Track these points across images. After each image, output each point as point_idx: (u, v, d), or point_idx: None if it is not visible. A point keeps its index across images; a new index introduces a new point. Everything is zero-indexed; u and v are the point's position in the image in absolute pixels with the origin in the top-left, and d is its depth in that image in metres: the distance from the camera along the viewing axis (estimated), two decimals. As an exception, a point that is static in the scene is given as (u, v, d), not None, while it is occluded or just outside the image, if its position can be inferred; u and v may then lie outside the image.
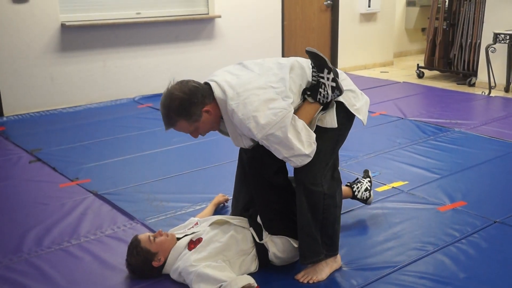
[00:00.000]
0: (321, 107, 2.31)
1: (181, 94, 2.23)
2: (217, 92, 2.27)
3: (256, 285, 2.25)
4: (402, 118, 5.05)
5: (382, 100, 5.79)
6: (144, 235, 2.45)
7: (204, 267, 2.25)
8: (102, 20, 5.71)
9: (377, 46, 8.39)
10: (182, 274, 2.33)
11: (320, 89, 2.25)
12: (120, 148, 4.31)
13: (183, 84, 2.27)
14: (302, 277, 2.38)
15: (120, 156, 4.09)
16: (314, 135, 2.24)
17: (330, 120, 2.34)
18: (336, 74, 2.28)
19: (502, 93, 6.40)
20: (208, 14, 6.45)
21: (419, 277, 2.42)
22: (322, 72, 2.25)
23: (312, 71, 2.30)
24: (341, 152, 4.06)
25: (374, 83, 6.75)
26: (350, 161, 3.88)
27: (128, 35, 5.94)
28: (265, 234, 2.45)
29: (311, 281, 2.36)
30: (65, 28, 5.48)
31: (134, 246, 2.40)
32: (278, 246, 2.43)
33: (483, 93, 6.28)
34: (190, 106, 2.22)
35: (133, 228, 2.92)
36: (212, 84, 2.31)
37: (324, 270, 2.39)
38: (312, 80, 2.29)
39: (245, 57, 6.82)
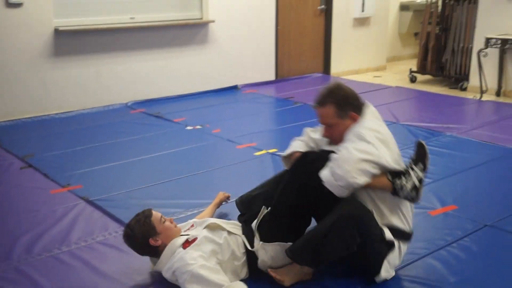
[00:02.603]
0: (390, 190, 2.30)
1: (349, 90, 2.44)
2: (366, 114, 2.44)
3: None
4: (395, 123, 5.05)
5: (375, 104, 5.69)
6: (157, 213, 2.46)
7: (199, 267, 2.23)
8: (96, 25, 5.70)
9: (370, 50, 8.41)
10: (175, 273, 2.30)
11: (402, 176, 2.27)
12: (112, 154, 4.29)
13: (348, 87, 2.46)
14: (274, 271, 2.38)
15: (112, 162, 4.07)
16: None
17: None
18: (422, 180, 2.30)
19: (493, 97, 6.42)
20: (201, 19, 6.45)
21: (411, 281, 2.42)
22: (416, 165, 2.30)
23: (410, 160, 2.34)
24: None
25: (367, 88, 6.76)
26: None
27: (121, 40, 5.93)
28: (256, 241, 2.44)
29: (275, 277, 2.34)
30: (58, 33, 5.46)
31: (144, 216, 2.42)
32: (268, 254, 2.42)
33: (475, 97, 6.30)
34: (348, 102, 2.40)
35: (124, 235, 2.90)
36: (370, 107, 2.50)
37: (292, 275, 2.37)
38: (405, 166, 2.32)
39: (238, 63, 6.85)
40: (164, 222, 2.44)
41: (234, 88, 6.81)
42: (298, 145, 2.71)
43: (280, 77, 7.40)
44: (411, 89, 6.85)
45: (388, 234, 2.34)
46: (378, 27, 8.38)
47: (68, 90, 5.68)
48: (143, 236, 2.39)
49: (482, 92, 6.37)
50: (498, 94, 6.52)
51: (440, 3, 7.35)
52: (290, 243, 2.38)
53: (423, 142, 2.37)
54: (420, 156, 2.34)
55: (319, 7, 7.66)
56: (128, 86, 6.08)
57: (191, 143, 4.55)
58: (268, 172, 3.82)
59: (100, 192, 3.47)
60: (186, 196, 3.42)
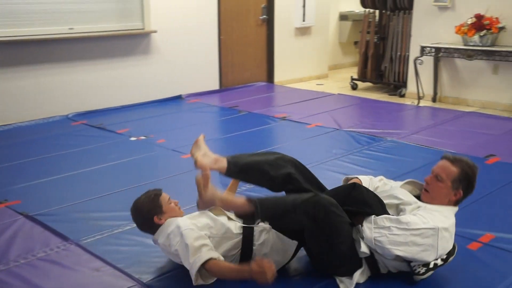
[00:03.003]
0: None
1: (474, 180, 2.50)
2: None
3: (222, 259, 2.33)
4: (337, 129, 5.16)
5: (318, 111, 5.90)
6: (166, 194, 2.60)
7: (189, 231, 2.36)
8: (33, 36, 5.52)
9: (312, 59, 8.56)
10: (170, 236, 2.41)
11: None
12: (53, 167, 4.16)
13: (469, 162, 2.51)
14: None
15: (53, 176, 3.95)
16: None
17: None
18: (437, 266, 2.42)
19: (430, 103, 6.67)
20: (143, 29, 6.38)
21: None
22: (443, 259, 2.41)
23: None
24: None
25: (310, 95, 6.88)
26: (287, 172, 3.91)
27: (61, 51, 5.77)
28: (264, 224, 2.48)
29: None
30: (-7, 44, 5.26)
31: (153, 194, 2.56)
32: (268, 242, 2.45)
33: (413, 103, 6.53)
34: (467, 183, 2.48)
35: (67, 250, 2.82)
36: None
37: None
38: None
39: (181, 72, 6.81)
40: (170, 203, 2.56)
41: (178, 98, 6.76)
42: (363, 177, 2.76)
43: (224, 86, 7.41)
44: (353, 96, 7.01)
45: (364, 248, 2.35)
46: (319, 36, 8.55)
47: (6, 102, 5.47)
48: (149, 212, 2.51)
49: (419, 98, 6.61)
50: (434, 100, 6.78)
51: (377, 13, 7.58)
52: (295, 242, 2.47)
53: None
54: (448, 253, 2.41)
55: (261, 17, 7.74)
56: (69, 98, 5.92)
57: (136, 154, 4.47)
58: (214, 182, 3.79)
59: (40, 207, 3.35)
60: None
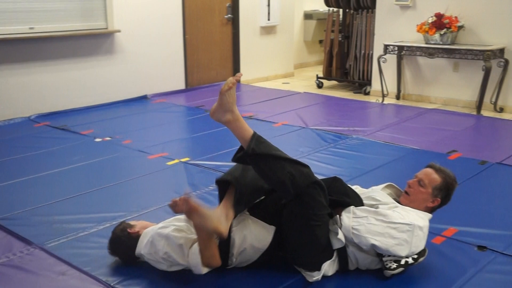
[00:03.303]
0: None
1: (454, 190, 2.64)
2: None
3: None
4: (304, 127, 5.19)
5: (284, 110, 5.93)
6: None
7: (172, 230, 2.41)
8: (-9, 36, 5.38)
9: (278, 58, 8.60)
10: (154, 243, 2.42)
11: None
12: (15, 169, 4.06)
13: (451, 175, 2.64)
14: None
15: (14, 179, 3.85)
16: None
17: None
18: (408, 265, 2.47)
19: (394, 101, 6.79)
20: (107, 28, 6.28)
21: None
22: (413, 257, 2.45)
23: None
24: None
25: (276, 94, 6.90)
26: (255, 171, 3.91)
27: (21, 51, 5.63)
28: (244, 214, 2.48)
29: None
30: (-51, 44, 5.10)
31: (120, 226, 2.63)
32: (245, 227, 2.44)
33: (377, 101, 6.63)
34: (447, 193, 2.61)
35: (31, 254, 2.75)
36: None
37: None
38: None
39: (146, 72, 6.74)
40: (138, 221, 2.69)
41: (143, 98, 6.70)
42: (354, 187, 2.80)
43: (190, 86, 7.38)
44: (319, 94, 7.07)
45: (340, 235, 2.40)
46: (284, 35, 8.59)
47: (-37, 104, 5.32)
48: (122, 231, 2.56)
49: (383, 96, 6.72)
50: (398, 97, 6.90)
51: (341, 12, 7.67)
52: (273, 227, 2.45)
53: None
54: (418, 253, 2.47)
55: (226, 16, 7.73)
56: (31, 99, 5.79)
57: (101, 155, 4.40)
58: (182, 181, 3.79)
59: (2, 211, 3.26)
60: (97, 210, 3.30)
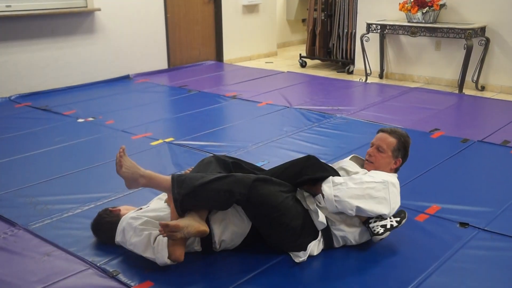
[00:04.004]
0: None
1: (409, 146, 2.76)
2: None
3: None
4: (288, 107, 5.19)
5: (268, 90, 5.92)
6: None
7: (142, 224, 2.42)
8: (-32, 14, 5.25)
9: (260, 37, 8.54)
10: (124, 231, 2.45)
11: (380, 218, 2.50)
12: (-4, 151, 4.01)
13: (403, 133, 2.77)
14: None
15: (-4, 160, 3.81)
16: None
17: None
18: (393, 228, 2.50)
19: (377, 80, 6.81)
20: (86, 7, 6.16)
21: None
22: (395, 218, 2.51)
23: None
24: (231, 142, 4.11)
25: (260, 74, 6.88)
26: (239, 151, 3.92)
27: (-1, 30, 5.52)
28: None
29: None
30: None
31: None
32: (230, 221, 2.46)
33: (361, 80, 6.64)
34: (405, 151, 2.73)
35: (15, 235, 2.73)
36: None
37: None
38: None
39: (128, 52, 6.66)
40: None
41: (126, 78, 6.62)
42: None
43: (173, 66, 7.31)
44: (302, 73, 7.06)
45: (321, 217, 2.44)
46: (266, 14, 8.53)
47: None
48: (104, 210, 2.63)
49: (367, 75, 6.73)
50: (381, 76, 6.92)
51: (324, -10, 7.62)
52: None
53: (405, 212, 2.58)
54: (399, 215, 2.53)
55: (208, -5, 7.64)
56: (11, 79, 5.68)
57: (84, 136, 4.36)
58: (166, 161, 3.77)
59: (-15, 192, 3.23)
60: (81, 190, 3.28)
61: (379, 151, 2.69)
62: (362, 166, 2.76)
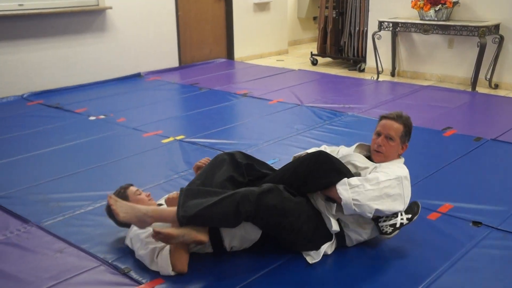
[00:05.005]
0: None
1: (411, 120, 2.70)
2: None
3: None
4: (299, 105, 5.18)
5: (279, 88, 5.91)
6: (134, 187, 2.64)
7: (148, 236, 2.38)
8: (-19, 13, 5.30)
9: (272, 35, 8.53)
10: (132, 241, 2.46)
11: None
12: (9, 149, 4.04)
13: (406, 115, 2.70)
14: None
15: (9, 158, 3.83)
16: None
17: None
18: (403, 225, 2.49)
19: (389, 78, 6.77)
20: (98, 5, 6.19)
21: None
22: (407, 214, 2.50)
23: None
24: (241, 140, 4.12)
25: (271, 72, 6.87)
26: (250, 149, 3.92)
27: (11, 28, 5.56)
28: None
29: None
30: None
31: (121, 188, 2.62)
32: (240, 229, 2.42)
33: (372, 78, 6.61)
34: (409, 134, 2.68)
35: (28, 232, 2.76)
36: None
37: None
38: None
39: (139, 50, 6.69)
40: (139, 194, 2.59)
41: (137, 76, 6.65)
42: (311, 150, 2.80)
43: (184, 64, 7.32)
44: (313, 71, 7.05)
45: (335, 226, 2.43)
46: (277, 12, 8.52)
47: (-46, 83, 5.26)
48: (123, 197, 2.53)
49: (378, 73, 6.70)
50: (392, 74, 6.89)
51: (336, -12, 7.60)
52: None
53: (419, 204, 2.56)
54: (413, 209, 2.51)
55: (219, -8, 7.65)
56: (23, 77, 5.73)
57: (95, 133, 4.39)
58: (177, 159, 3.79)
59: (-2, 189, 3.27)
60: (93, 188, 3.30)
61: (389, 140, 2.61)
62: (368, 152, 2.71)
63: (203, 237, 2.32)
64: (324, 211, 2.45)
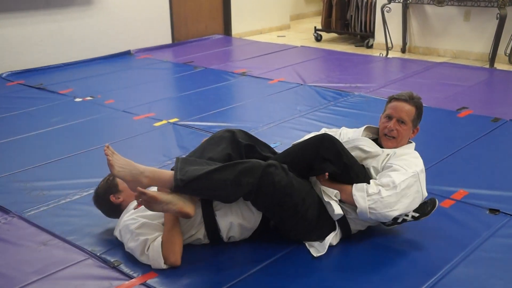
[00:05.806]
0: None
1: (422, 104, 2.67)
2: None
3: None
4: (302, 84, 5.16)
5: (280, 66, 5.89)
6: None
7: (138, 227, 2.37)
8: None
9: (272, 9, 8.48)
10: (121, 233, 2.44)
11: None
12: (-12, 133, 4.04)
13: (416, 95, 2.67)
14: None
15: (-11, 143, 3.84)
16: None
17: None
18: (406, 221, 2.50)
19: (399, 54, 6.74)
20: (83, -24, 6.16)
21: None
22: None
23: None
24: (240, 123, 4.11)
25: (271, 49, 6.84)
26: (249, 132, 3.89)
27: (-11, 2, 5.53)
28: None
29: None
30: None
31: (110, 175, 2.55)
32: (238, 216, 2.42)
33: (381, 55, 6.58)
34: (420, 117, 2.65)
35: (9, 223, 2.76)
36: None
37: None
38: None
39: (129, 25, 6.64)
40: None
41: (126, 53, 6.62)
42: (328, 130, 2.85)
43: (177, 40, 7.29)
44: (317, 48, 7.01)
45: (337, 209, 2.41)
46: (279, -17, 8.46)
47: None
48: (105, 192, 2.56)
49: (387, 49, 6.66)
50: (403, 50, 6.85)
51: (342, -44, 7.53)
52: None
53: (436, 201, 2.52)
54: (424, 209, 2.48)
55: (215, -38, 7.58)
56: (1, 55, 5.72)
57: (82, 116, 4.38)
58: (171, 144, 3.78)
59: (-23, 177, 3.26)
60: (80, 175, 3.29)
61: (401, 124, 2.57)
62: (376, 135, 2.69)
63: (189, 209, 2.29)
64: (324, 196, 2.44)
